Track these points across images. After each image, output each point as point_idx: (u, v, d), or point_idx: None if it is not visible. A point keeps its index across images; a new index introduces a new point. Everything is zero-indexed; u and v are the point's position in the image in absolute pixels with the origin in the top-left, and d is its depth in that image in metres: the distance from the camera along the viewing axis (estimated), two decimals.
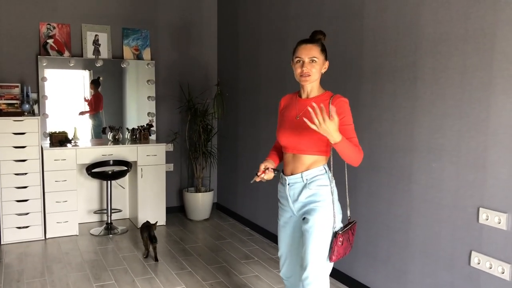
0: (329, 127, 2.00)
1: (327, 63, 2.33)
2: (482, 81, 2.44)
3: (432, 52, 2.71)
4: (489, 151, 2.42)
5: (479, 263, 2.48)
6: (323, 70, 2.33)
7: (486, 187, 2.44)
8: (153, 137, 5.26)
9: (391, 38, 3.01)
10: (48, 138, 4.75)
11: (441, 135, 2.67)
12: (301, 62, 2.27)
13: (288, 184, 2.34)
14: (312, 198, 2.27)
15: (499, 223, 2.37)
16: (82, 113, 5.06)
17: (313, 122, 2.02)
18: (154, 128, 5.27)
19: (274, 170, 2.37)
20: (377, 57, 3.13)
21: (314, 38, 2.31)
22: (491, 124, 2.40)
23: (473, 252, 2.52)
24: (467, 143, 2.53)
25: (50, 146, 4.56)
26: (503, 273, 2.36)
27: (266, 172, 2.34)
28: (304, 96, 2.36)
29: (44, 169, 4.43)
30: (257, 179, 2.34)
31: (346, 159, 2.19)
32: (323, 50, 2.30)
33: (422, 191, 2.82)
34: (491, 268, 2.42)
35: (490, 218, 2.41)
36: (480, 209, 2.47)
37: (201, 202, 5.18)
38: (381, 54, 3.09)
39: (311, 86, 2.32)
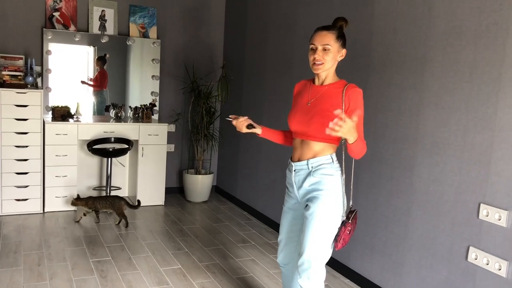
0: (350, 127, 1.97)
1: (344, 51, 2.27)
2: (492, 77, 2.41)
3: (442, 45, 2.68)
4: (494, 147, 2.40)
5: (476, 259, 2.49)
6: (340, 58, 2.27)
7: (488, 183, 2.43)
8: (155, 116, 5.24)
9: (401, 29, 2.97)
10: (50, 112, 4.73)
11: (447, 129, 2.65)
12: (314, 49, 2.24)
13: (294, 170, 2.33)
14: (316, 186, 2.26)
15: (499, 220, 2.37)
16: (84, 82, 5.00)
17: (334, 130, 1.97)
18: (157, 108, 5.25)
19: (251, 126, 2.40)
20: (386, 47, 3.10)
21: (335, 25, 2.25)
22: (498, 120, 2.38)
23: (471, 248, 2.52)
24: (472, 138, 2.51)
25: (52, 120, 4.54)
26: (499, 269, 2.37)
27: (241, 120, 2.38)
28: (318, 83, 2.32)
29: (45, 143, 4.42)
30: (233, 122, 2.40)
31: (354, 154, 2.20)
32: (339, 37, 2.24)
33: (424, 184, 2.81)
34: (488, 264, 2.43)
35: (491, 214, 2.41)
36: (481, 205, 2.46)
37: (200, 184, 5.19)
38: (390, 44, 3.06)
39: (326, 74, 2.28)
